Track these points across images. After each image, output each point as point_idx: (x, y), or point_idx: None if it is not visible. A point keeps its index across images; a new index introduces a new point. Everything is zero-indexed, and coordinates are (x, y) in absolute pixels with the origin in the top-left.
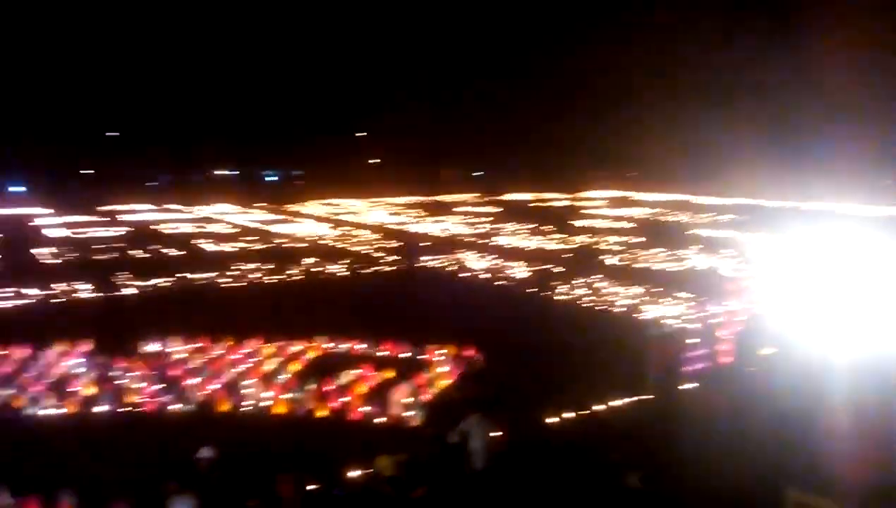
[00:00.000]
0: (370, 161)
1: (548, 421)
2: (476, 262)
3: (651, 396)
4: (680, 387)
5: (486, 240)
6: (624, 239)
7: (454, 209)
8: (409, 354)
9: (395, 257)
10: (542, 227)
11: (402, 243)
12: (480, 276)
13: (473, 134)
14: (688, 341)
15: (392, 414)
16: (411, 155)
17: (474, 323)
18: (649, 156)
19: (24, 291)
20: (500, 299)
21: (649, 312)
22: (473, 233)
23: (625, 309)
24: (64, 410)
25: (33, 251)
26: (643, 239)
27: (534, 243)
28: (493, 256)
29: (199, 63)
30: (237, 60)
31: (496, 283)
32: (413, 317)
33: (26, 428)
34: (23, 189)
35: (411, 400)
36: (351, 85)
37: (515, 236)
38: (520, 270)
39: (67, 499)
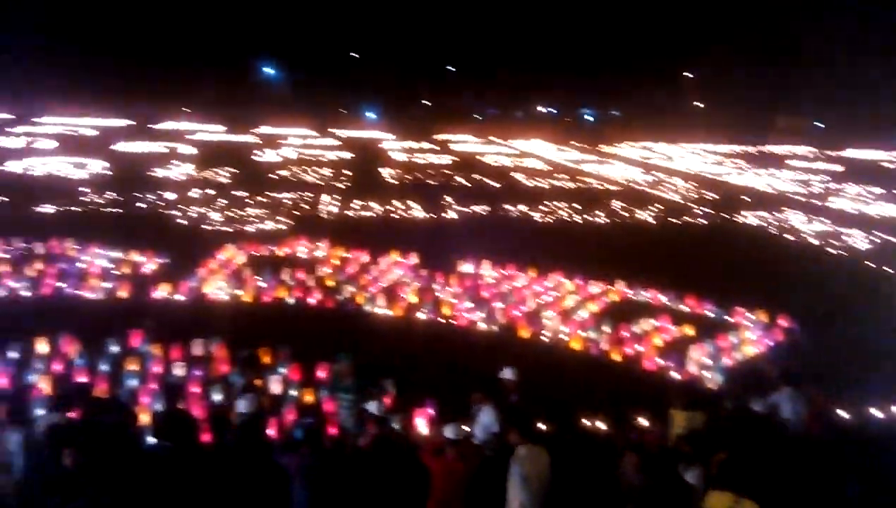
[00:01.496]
0: (693, 104)
1: (874, 412)
2: (804, 225)
3: None
4: None
5: (820, 201)
6: None
7: (785, 162)
8: (714, 313)
9: (709, 209)
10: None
11: (718, 195)
12: (807, 241)
13: (816, 77)
14: None
15: (688, 372)
16: (739, 99)
17: (793, 290)
18: None
19: (370, 204)
20: (829, 268)
21: None
22: (805, 192)
23: None
24: (391, 312)
25: (379, 170)
26: None
27: (882, 210)
28: (827, 220)
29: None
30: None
31: (826, 250)
32: (722, 275)
33: (364, 322)
34: (374, 115)
35: (711, 361)
36: (676, 22)
37: (858, 200)
38: (859, 240)
39: (389, 387)
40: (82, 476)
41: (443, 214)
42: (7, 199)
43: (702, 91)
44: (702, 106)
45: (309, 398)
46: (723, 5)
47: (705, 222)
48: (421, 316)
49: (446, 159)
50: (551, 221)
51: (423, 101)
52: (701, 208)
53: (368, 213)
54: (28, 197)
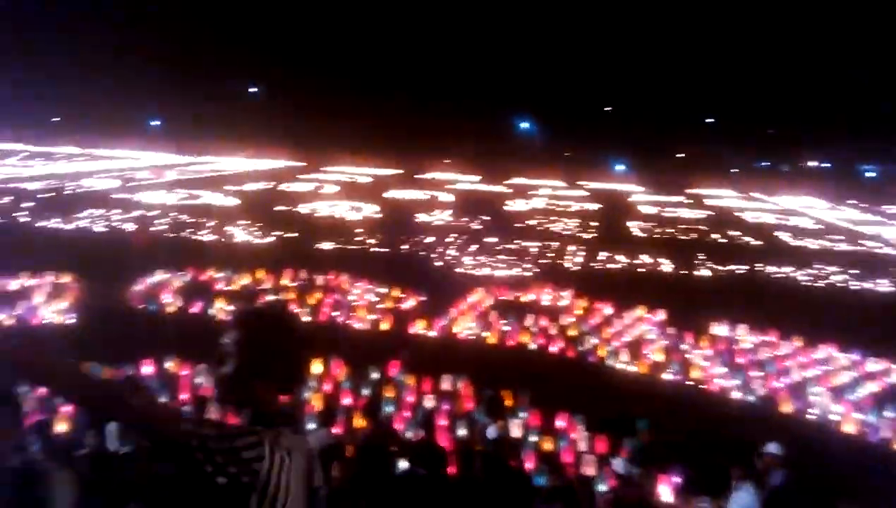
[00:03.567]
0: None
1: None
2: None
3: None
4: None
5: None
6: None
7: None
8: None
9: None
10: None
11: None
12: None
13: None
14: None
15: None
16: None
17: None
18: None
19: (616, 257)
20: None
21: None
22: None
23: None
24: (635, 369)
25: (627, 223)
26: None
27: None
28: None
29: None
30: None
31: None
32: None
33: (605, 377)
34: (623, 167)
35: None
36: None
37: None
38: None
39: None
40: (348, 491)
41: (694, 271)
42: (297, 236)
43: None
44: None
45: (548, 446)
46: None
47: None
48: (666, 376)
49: (700, 214)
50: (822, 286)
51: (678, 154)
52: None
53: (614, 265)
54: (313, 234)
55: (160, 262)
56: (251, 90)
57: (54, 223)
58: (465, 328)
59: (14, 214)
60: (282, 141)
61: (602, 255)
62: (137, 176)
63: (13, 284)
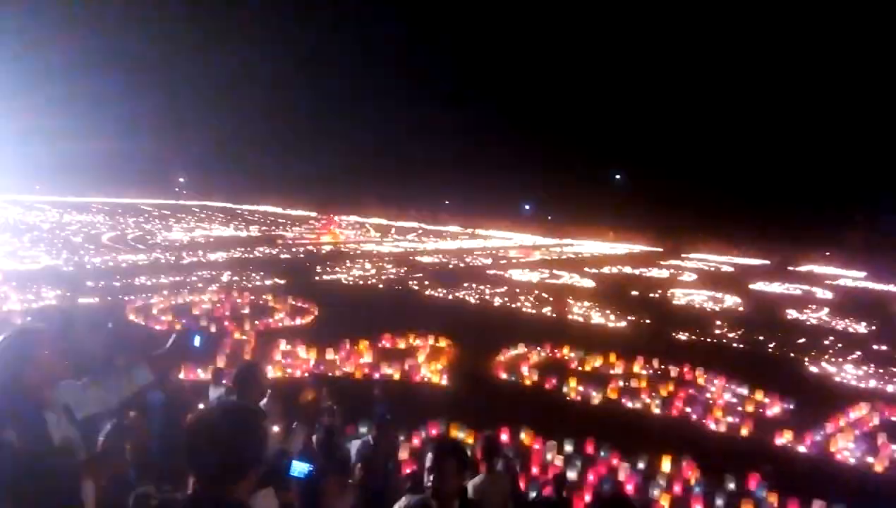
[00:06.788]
0: None
1: None
2: None
3: None
4: None
5: None
6: None
7: None
8: None
9: None
10: None
11: None
12: None
13: None
14: None
15: None
16: None
17: None
18: None
19: None
20: None
21: None
22: None
23: None
24: None
25: None
26: None
27: None
28: None
29: None
30: None
31: None
32: None
33: None
34: None
35: None
36: None
37: None
38: None
39: None
40: None
41: None
42: (651, 322)
43: None
44: None
45: None
46: None
47: None
48: None
49: None
50: None
51: None
52: None
53: None
54: (668, 322)
55: (522, 336)
56: (616, 176)
57: (438, 292)
58: (843, 448)
59: (408, 281)
60: (642, 226)
61: None
62: (508, 254)
63: (402, 342)
